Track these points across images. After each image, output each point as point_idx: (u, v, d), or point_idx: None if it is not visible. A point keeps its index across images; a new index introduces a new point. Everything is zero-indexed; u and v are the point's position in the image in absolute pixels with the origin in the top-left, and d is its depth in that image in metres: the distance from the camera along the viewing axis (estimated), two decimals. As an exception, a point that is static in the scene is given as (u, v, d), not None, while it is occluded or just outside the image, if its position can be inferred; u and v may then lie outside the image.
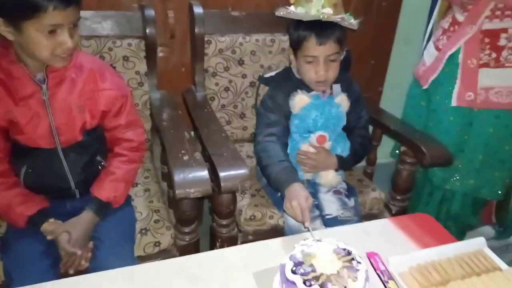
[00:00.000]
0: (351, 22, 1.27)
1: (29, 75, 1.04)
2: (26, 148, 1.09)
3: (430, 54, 1.46)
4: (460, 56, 1.32)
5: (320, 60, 1.26)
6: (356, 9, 1.88)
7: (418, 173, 1.59)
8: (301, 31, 1.26)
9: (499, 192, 1.49)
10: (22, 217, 1.05)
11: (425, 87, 1.46)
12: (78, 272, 1.03)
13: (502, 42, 1.25)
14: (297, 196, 1.09)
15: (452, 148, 1.37)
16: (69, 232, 1.05)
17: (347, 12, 1.31)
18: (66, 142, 1.11)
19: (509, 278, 0.87)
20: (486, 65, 1.29)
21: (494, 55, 1.27)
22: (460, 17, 1.32)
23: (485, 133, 1.37)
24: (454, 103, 1.36)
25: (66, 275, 1.02)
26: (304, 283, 0.72)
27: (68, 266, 1.04)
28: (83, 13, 1.37)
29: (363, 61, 2.14)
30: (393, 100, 2.27)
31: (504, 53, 1.27)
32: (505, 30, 1.24)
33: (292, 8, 1.30)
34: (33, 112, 1.06)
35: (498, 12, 1.23)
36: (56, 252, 1.05)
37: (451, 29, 1.36)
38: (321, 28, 1.24)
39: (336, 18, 1.24)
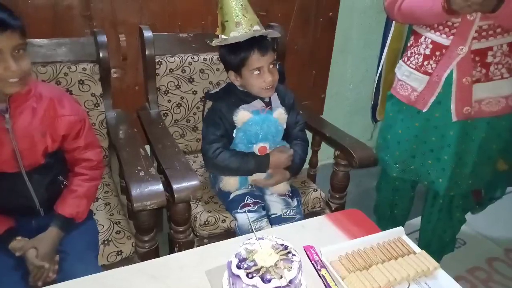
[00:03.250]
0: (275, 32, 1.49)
1: None
2: None
3: (418, 80, 1.48)
4: (454, 75, 1.39)
5: (265, 68, 1.41)
6: (295, 26, 2.04)
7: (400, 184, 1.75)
8: (243, 51, 1.39)
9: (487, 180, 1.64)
10: None
11: (425, 110, 1.48)
12: (47, 284, 1.07)
13: (489, 59, 1.36)
14: (279, 159, 1.46)
15: (455, 158, 1.48)
16: (36, 247, 1.11)
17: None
18: (30, 166, 1.16)
19: (421, 259, 0.99)
20: (478, 80, 1.38)
21: (484, 71, 1.37)
22: (444, 41, 1.38)
23: (479, 138, 1.48)
24: (454, 118, 1.44)
25: (35, 287, 1.10)
26: (247, 275, 0.80)
27: (37, 279, 1.10)
28: (38, 42, 1.46)
29: (305, 72, 2.25)
30: (334, 105, 2.46)
31: (491, 68, 1.37)
32: (491, 49, 1.35)
33: (223, 36, 1.42)
34: None
35: (484, 33, 1.33)
36: (26, 266, 1.11)
37: (437, 53, 1.41)
38: (259, 43, 1.40)
39: (266, 32, 1.43)
